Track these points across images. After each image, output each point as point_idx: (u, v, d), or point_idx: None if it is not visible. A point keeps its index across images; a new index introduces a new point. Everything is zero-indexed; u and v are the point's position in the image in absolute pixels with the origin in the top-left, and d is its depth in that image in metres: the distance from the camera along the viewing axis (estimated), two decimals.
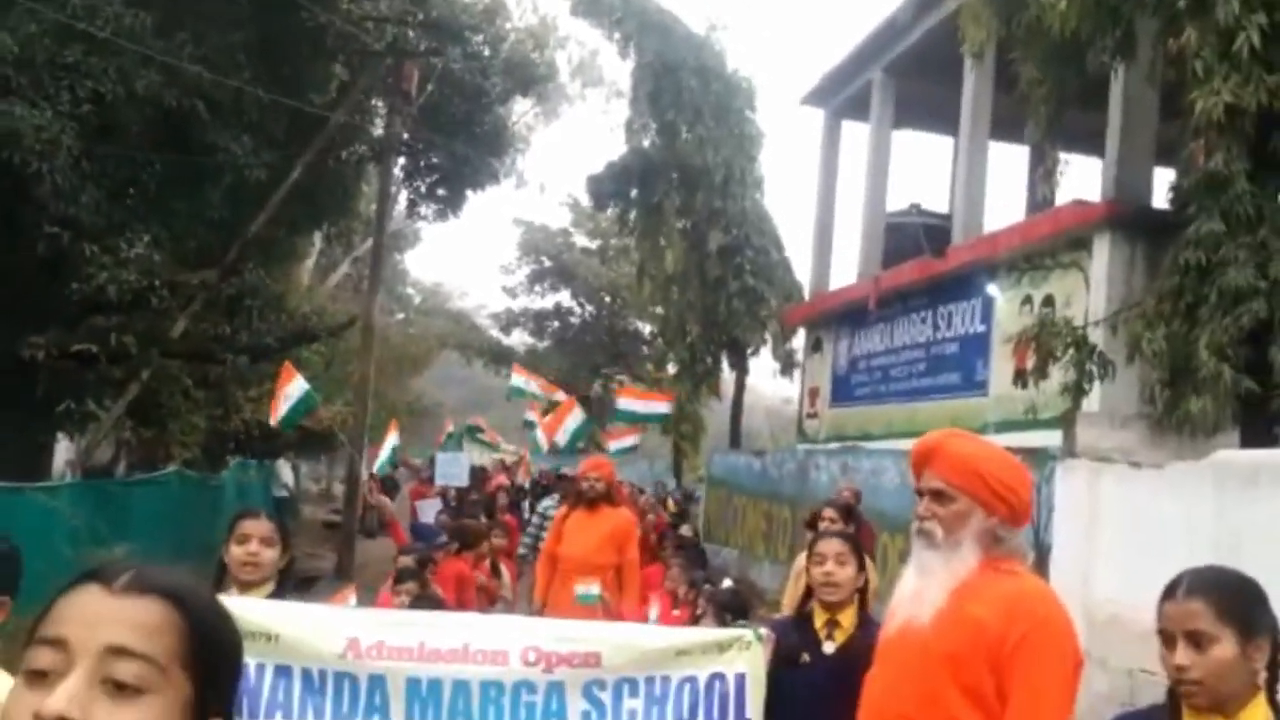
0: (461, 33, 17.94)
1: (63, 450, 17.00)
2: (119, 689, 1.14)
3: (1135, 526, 8.85)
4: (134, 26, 11.27)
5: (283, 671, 3.42)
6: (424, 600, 5.64)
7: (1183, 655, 2.36)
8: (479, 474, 21.36)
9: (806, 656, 3.86)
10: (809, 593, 4.07)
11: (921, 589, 2.98)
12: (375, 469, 14.30)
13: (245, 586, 3.79)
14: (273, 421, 11.64)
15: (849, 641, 3.80)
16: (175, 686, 1.17)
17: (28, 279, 12.29)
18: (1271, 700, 2.43)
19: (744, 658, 3.64)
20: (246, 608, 3.41)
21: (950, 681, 2.84)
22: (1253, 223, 9.34)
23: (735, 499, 17.93)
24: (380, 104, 19.11)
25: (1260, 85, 9.17)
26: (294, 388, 11.14)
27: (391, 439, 13.24)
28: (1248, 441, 9.44)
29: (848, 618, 3.88)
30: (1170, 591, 2.46)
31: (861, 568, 3.99)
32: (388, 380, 27.49)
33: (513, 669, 3.56)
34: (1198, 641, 2.35)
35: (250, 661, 3.34)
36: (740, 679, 3.61)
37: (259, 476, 20.62)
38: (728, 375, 25.15)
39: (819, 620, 3.92)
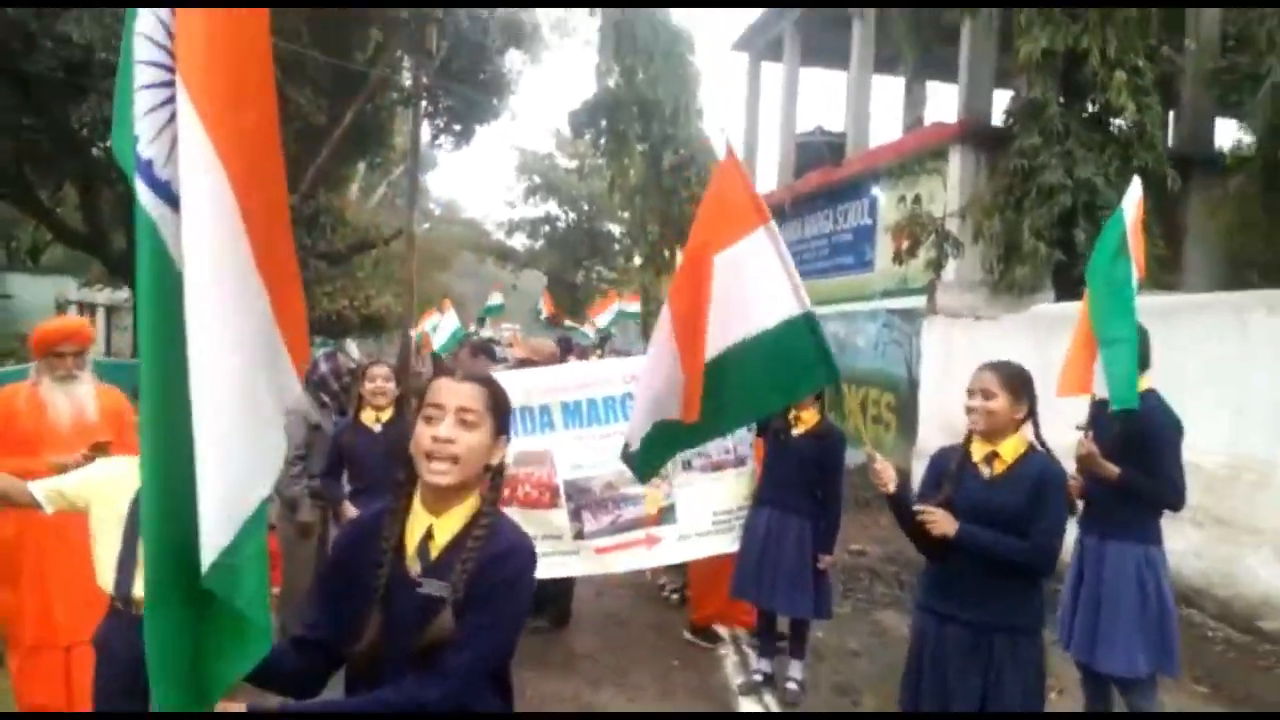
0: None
1: None
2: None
3: (978, 362, 9.41)
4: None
5: None
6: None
7: (976, 402, 3.05)
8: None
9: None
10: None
11: None
12: (438, 348, 12.92)
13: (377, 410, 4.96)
14: (435, 348, 11.06)
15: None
16: None
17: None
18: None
19: None
20: None
21: None
22: (1061, 137, 9.69)
23: None
24: (407, 60, 18.89)
25: (1067, 33, 9.47)
26: (448, 320, 10.96)
27: (452, 320, 11.96)
28: (1059, 298, 9.91)
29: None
30: (979, 368, 3.13)
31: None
32: (420, 276, 27.46)
33: (617, 386, 4.87)
34: (986, 395, 3.03)
35: None
36: None
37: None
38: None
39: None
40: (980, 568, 2.92)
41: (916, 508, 2.97)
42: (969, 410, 3.04)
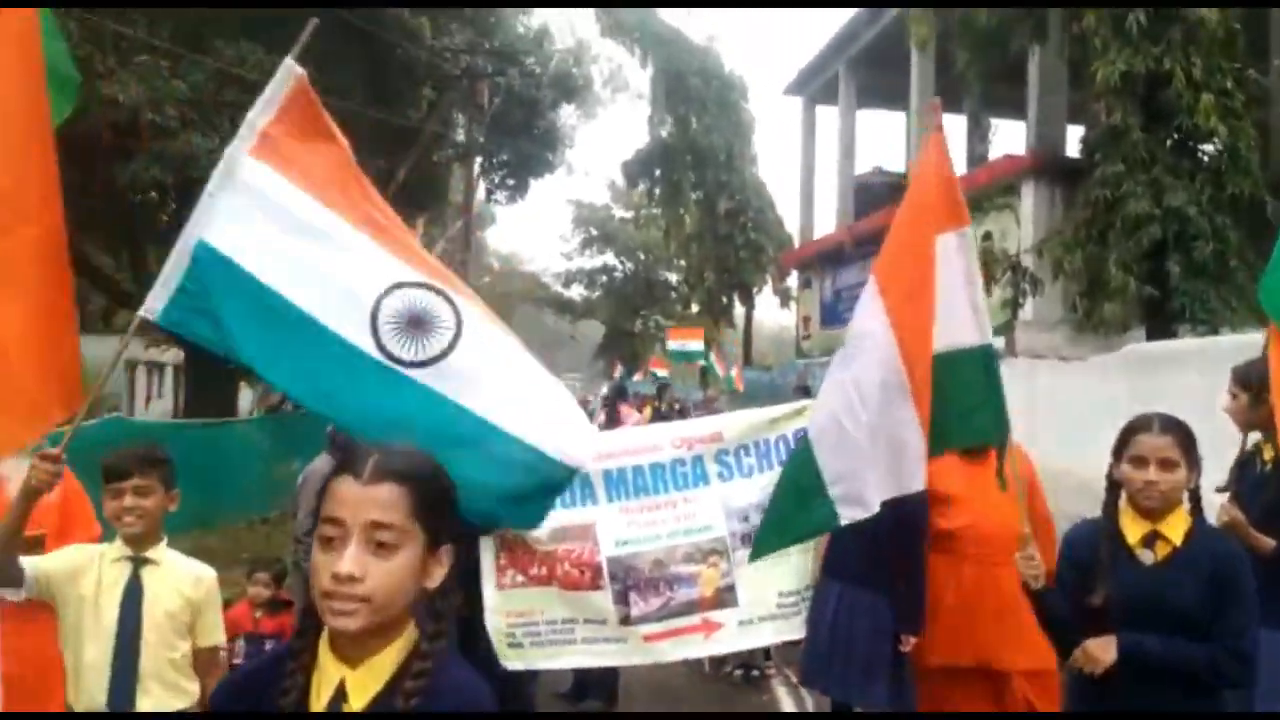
0: (518, 56, 17.64)
1: (245, 395, 17.29)
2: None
3: (1066, 407, 8.71)
4: (273, 68, 11.12)
5: None
6: None
7: (1155, 474, 2.31)
8: None
9: None
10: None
11: None
12: None
13: None
14: None
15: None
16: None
17: None
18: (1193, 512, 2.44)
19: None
20: None
21: None
22: (1147, 164, 9.06)
23: (751, 405, 17.76)
24: (460, 116, 18.88)
25: (1148, 54, 8.89)
26: None
27: None
28: (1151, 336, 9.26)
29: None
30: (1146, 427, 2.39)
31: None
32: None
33: (666, 452, 4.08)
34: (1167, 465, 2.32)
35: None
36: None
37: None
38: (738, 310, 25.05)
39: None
40: (1153, 682, 2.28)
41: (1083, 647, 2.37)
42: (1139, 486, 2.35)
